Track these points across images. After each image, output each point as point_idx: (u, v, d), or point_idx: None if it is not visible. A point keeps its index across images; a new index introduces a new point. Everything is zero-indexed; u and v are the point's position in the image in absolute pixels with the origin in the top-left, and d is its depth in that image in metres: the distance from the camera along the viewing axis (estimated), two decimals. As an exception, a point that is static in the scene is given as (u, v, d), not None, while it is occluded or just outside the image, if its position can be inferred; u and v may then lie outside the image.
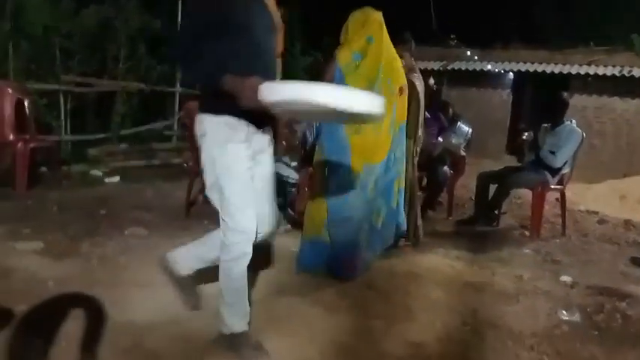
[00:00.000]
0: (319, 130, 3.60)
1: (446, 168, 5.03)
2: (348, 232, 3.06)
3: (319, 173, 3.15)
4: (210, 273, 2.56)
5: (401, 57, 3.76)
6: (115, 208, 4.40)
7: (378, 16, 3.14)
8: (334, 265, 3.09)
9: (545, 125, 4.81)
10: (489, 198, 4.90)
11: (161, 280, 2.80)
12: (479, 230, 4.75)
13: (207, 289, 2.75)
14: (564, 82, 11.91)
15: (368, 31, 3.08)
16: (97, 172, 5.95)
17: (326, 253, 3.10)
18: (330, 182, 3.06)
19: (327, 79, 3.09)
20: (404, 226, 3.64)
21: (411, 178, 3.75)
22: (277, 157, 4.26)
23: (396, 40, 3.84)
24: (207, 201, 4.79)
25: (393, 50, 3.23)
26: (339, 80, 3.01)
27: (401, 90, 3.25)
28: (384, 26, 3.14)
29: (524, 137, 4.85)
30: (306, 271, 3.11)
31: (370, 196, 3.12)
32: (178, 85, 8.02)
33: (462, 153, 5.32)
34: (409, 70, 3.72)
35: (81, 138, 6.53)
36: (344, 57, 3.05)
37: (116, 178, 5.81)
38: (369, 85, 3.00)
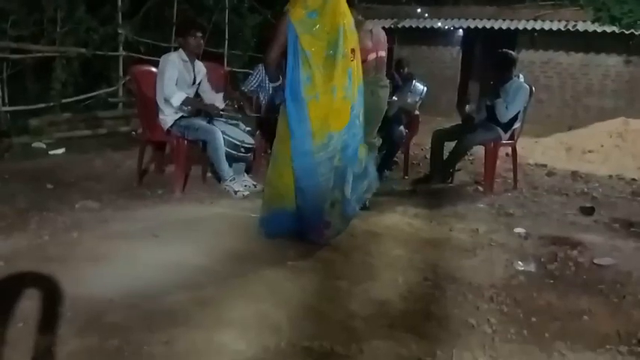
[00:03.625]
0: (273, 94, 3.45)
1: (401, 127, 5.04)
2: (316, 199, 2.99)
3: (284, 141, 3.01)
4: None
5: None
6: (63, 181, 4.21)
7: None
8: (302, 231, 3.06)
9: (485, 98, 4.92)
10: (444, 155, 4.98)
11: (117, 253, 2.73)
12: (435, 188, 4.84)
13: (167, 259, 2.70)
14: (512, 37, 12.11)
15: None
16: (40, 144, 5.67)
17: (292, 221, 3.06)
18: (294, 149, 2.94)
19: (280, 40, 2.95)
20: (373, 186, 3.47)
21: None
22: (232, 121, 4.20)
23: None
24: (160, 169, 4.69)
25: (347, 8, 3.05)
26: (293, 42, 2.85)
27: (353, 52, 3.07)
28: None
29: (467, 110, 4.93)
30: (271, 237, 3.07)
31: (337, 164, 3.02)
32: (121, 48, 7.65)
33: (416, 112, 5.34)
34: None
35: (21, 108, 6.17)
36: (298, 14, 2.87)
37: (61, 150, 5.55)
38: (328, 46, 2.88)
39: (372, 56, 3.73)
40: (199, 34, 4.18)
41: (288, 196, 3.05)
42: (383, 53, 3.86)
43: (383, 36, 3.93)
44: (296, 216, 3.06)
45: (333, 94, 2.93)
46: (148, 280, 2.45)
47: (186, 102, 3.98)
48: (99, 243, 2.87)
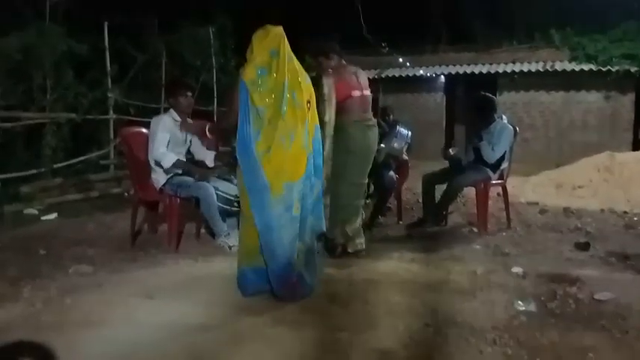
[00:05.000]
0: None
1: (391, 173, 5.09)
2: (282, 253, 2.95)
3: (243, 196, 3.03)
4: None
5: (328, 59, 3.88)
6: (55, 247, 4.17)
7: (279, 30, 3.08)
8: (275, 291, 3.00)
9: (469, 144, 5.04)
10: (436, 198, 5.01)
11: (112, 317, 2.69)
12: (429, 231, 4.83)
13: (163, 320, 2.66)
14: (493, 80, 12.44)
15: (270, 45, 3.02)
16: (32, 211, 5.64)
17: (263, 279, 3.01)
18: (253, 204, 2.94)
19: (235, 105, 3.02)
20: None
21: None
22: (223, 175, 4.22)
23: (322, 45, 3.93)
24: (153, 229, 4.66)
25: (297, 63, 3.16)
26: (245, 98, 2.94)
27: (308, 103, 3.15)
28: (286, 40, 3.06)
29: (451, 153, 5.02)
30: (247, 296, 3.02)
31: (296, 215, 3.01)
32: (111, 111, 7.76)
33: (405, 157, 5.41)
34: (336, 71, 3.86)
35: (12, 176, 6.17)
36: (249, 73, 2.98)
37: (53, 215, 5.53)
38: (276, 100, 2.95)
39: (356, 93, 3.88)
40: (189, 94, 4.27)
41: (255, 253, 3.01)
42: (367, 92, 4.00)
43: (366, 79, 4.08)
44: (265, 274, 3.00)
45: (287, 143, 2.95)
46: (145, 342, 2.40)
47: (176, 164, 4.03)
48: (94, 308, 2.82)
